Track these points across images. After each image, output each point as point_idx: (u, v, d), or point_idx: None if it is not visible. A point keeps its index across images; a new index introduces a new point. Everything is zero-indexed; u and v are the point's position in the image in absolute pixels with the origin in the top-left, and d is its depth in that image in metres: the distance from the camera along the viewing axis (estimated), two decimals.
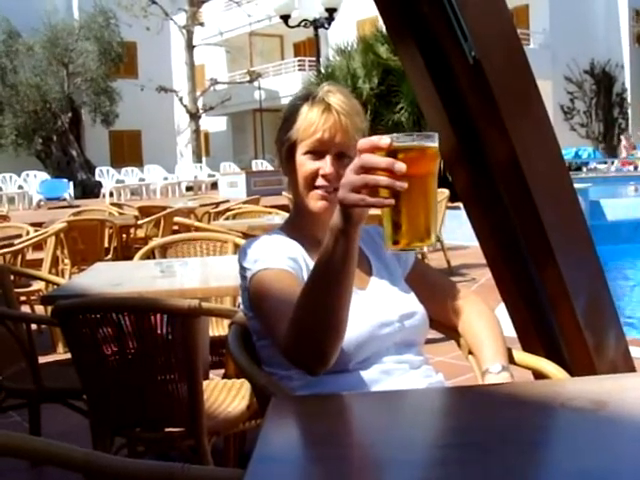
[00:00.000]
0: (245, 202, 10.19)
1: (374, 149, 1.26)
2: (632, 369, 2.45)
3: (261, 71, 36.25)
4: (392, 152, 1.26)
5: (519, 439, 1.13)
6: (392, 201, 1.26)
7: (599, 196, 12.35)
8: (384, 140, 1.24)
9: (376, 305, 1.81)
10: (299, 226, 1.78)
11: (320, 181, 1.80)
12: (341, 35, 19.09)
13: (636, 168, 23.45)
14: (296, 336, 1.48)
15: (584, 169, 23.95)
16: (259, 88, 34.02)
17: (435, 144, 1.29)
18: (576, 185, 8.70)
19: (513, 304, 2.46)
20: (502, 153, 2.17)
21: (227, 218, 7.50)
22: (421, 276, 2.01)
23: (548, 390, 1.34)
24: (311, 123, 1.81)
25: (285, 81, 35.05)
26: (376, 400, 1.46)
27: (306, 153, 1.82)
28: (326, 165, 1.80)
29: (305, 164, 1.82)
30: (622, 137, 25.54)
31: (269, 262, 1.73)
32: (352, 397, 1.51)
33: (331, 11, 15.71)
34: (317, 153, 1.81)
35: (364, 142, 1.27)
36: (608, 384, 1.45)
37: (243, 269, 1.78)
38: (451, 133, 2.29)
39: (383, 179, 1.24)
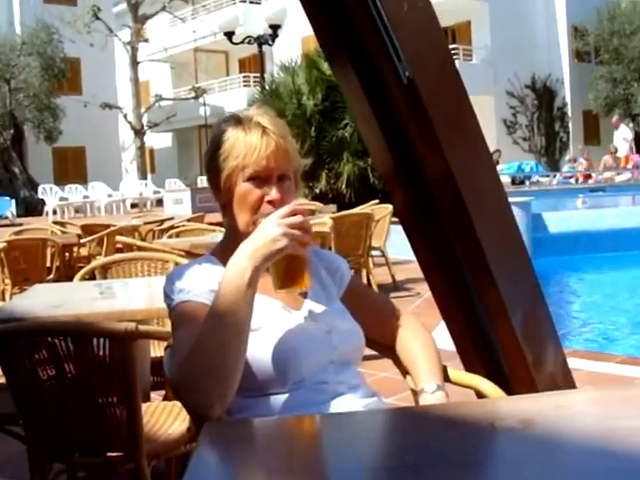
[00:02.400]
0: (189, 219, 10.12)
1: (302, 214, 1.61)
2: (570, 381, 2.47)
3: (206, 87, 36.21)
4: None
5: (450, 461, 1.13)
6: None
7: (542, 209, 12.51)
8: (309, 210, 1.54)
9: (311, 325, 1.80)
10: (233, 251, 1.78)
11: (266, 207, 1.77)
12: (286, 51, 19.15)
13: (577, 181, 23.81)
14: (188, 369, 1.55)
15: (527, 182, 24.25)
16: (204, 104, 33.97)
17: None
18: (519, 198, 8.81)
19: (452, 321, 2.48)
20: (437, 170, 2.19)
21: (170, 236, 7.45)
22: (357, 295, 2.01)
23: (479, 410, 1.35)
24: (253, 149, 1.76)
25: (230, 97, 35.04)
26: (309, 423, 1.46)
27: (249, 180, 1.77)
28: (272, 191, 1.77)
29: (249, 191, 1.78)
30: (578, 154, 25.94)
31: (192, 294, 1.72)
32: (285, 420, 1.51)
33: (275, 28, 15.78)
34: (261, 179, 1.77)
35: (300, 208, 1.62)
36: (538, 402, 1.46)
37: (167, 297, 1.77)
38: (388, 152, 2.30)
39: (311, 237, 1.64)
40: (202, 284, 1.73)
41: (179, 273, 1.79)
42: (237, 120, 1.82)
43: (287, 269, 1.64)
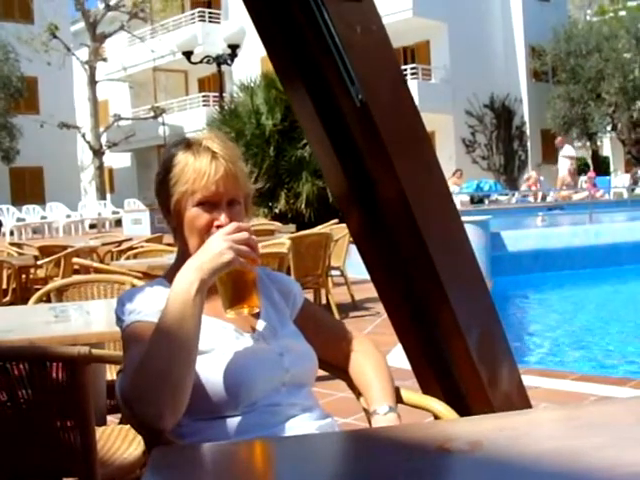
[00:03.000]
0: (148, 240, 10.06)
1: (248, 231, 1.69)
2: (526, 400, 2.49)
3: (165, 107, 36.09)
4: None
5: None
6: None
7: (500, 227, 12.62)
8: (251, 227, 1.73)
9: (263, 347, 1.80)
10: None
11: (215, 232, 1.75)
12: (245, 71, 19.19)
13: (536, 199, 24.06)
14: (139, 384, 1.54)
15: (486, 201, 24.45)
16: (163, 124, 33.87)
17: None
18: (477, 217, 8.88)
19: (407, 342, 2.48)
20: (391, 192, 2.20)
21: (128, 257, 7.40)
22: (310, 317, 2.02)
23: (427, 432, 1.36)
24: (202, 174, 1.76)
25: (190, 117, 34.98)
26: (259, 447, 1.45)
27: (198, 205, 1.77)
28: (221, 216, 1.77)
29: (198, 216, 1.78)
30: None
31: (142, 314, 1.72)
32: (236, 445, 1.50)
33: (234, 47, 15.76)
34: (210, 204, 1.78)
35: (244, 225, 1.70)
36: (485, 424, 1.47)
37: (118, 319, 1.77)
38: (342, 175, 2.31)
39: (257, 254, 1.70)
40: (152, 305, 1.72)
41: (130, 295, 1.79)
42: (187, 144, 1.82)
43: (235, 288, 1.66)
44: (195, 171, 1.77)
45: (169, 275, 1.85)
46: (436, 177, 2.30)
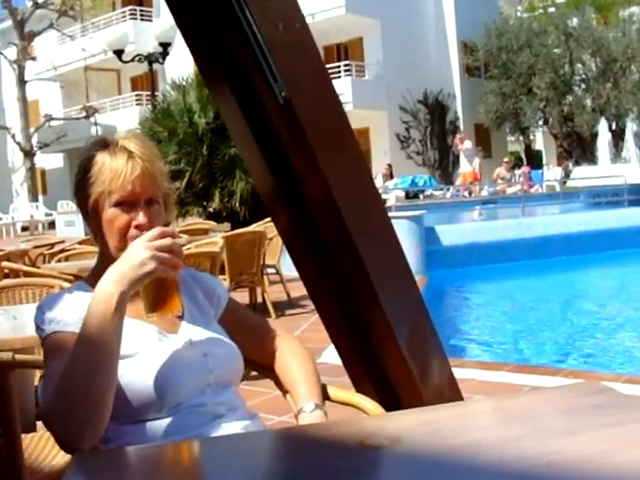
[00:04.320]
0: (80, 242, 9.91)
1: (173, 236, 1.65)
2: (457, 393, 2.50)
3: (98, 106, 35.65)
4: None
5: None
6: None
7: (435, 222, 12.74)
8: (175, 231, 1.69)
9: (187, 348, 1.78)
10: None
11: (133, 232, 1.75)
12: (178, 69, 19.04)
13: (471, 194, 24.32)
14: (58, 399, 1.51)
15: (421, 196, 24.66)
16: (96, 124, 33.46)
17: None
18: (412, 212, 8.96)
19: (338, 339, 2.48)
20: (317, 190, 2.19)
21: (60, 260, 7.29)
22: (235, 317, 2.01)
23: (350, 429, 1.36)
24: (118, 174, 1.74)
25: (123, 116, 34.60)
26: (184, 449, 1.44)
27: (116, 205, 1.75)
28: (139, 216, 1.75)
29: (117, 216, 1.75)
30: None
31: (62, 324, 1.69)
32: (160, 447, 1.48)
33: (165, 46, 15.64)
34: (128, 204, 1.75)
35: (168, 230, 1.65)
36: (406, 419, 1.48)
37: (38, 328, 1.73)
38: (268, 173, 2.30)
39: (180, 260, 1.65)
40: (73, 313, 1.69)
41: (49, 302, 1.75)
42: (104, 144, 1.80)
43: (157, 292, 1.63)
44: (112, 171, 1.74)
45: (91, 278, 1.82)
46: (362, 173, 2.30)
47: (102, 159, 1.77)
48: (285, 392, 1.99)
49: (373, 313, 2.29)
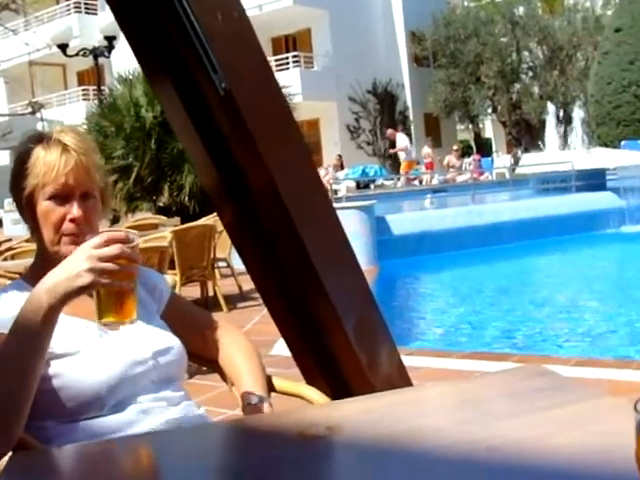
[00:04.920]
0: (27, 240, 9.74)
1: (123, 242, 1.51)
2: (407, 380, 2.50)
3: (44, 102, 35.19)
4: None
5: (257, 474, 1.12)
6: (131, 284, 1.53)
7: (385, 212, 12.78)
8: (130, 239, 1.53)
9: (129, 345, 1.76)
10: (42, 273, 1.71)
11: (68, 225, 1.73)
12: (125, 63, 18.89)
13: (421, 182, 24.46)
14: None
15: (372, 186, 24.74)
16: (42, 119, 33.02)
17: (138, 241, 1.57)
18: (363, 202, 8.98)
19: (287, 331, 2.47)
20: (261, 182, 2.18)
21: (6, 258, 7.19)
22: (178, 311, 2.00)
23: (292, 419, 1.36)
24: (51, 167, 1.72)
25: (69, 111, 34.19)
26: (125, 445, 1.42)
27: (50, 198, 1.73)
28: (74, 209, 1.73)
29: (51, 210, 1.74)
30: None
31: None
32: (99, 445, 1.46)
33: (111, 39, 15.48)
34: (62, 197, 1.74)
35: (115, 236, 1.52)
36: (349, 407, 1.49)
37: None
38: (211, 166, 2.28)
39: (133, 267, 1.53)
40: (7, 313, 1.65)
41: None
42: (39, 138, 1.78)
43: (107, 300, 1.54)
44: (45, 164, 1.73)
45: (28, 276, 1.80)
46: (306, 163, 2.30)
47: (37, 153, 1.75)
48: (231, 385, 1.98)
49: (320, 305, 2.29)
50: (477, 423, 1.24)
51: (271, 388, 1.94)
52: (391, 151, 26.41)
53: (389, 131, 28.31)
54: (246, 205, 2.27)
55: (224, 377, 2.01)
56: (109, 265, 1.49)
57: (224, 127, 2.17)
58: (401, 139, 26.19)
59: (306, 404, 1.82)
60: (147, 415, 1.70)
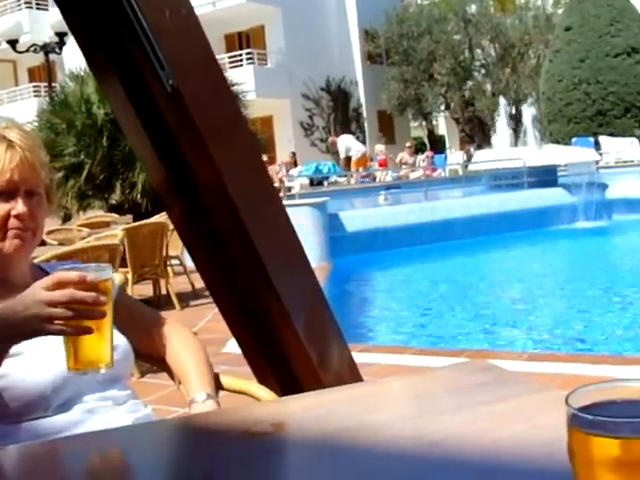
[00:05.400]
0: None
1: (77, 284, 1.40)
2: (358, 377, 2.52)
3: None
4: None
5: (202, 473, 1.12)
6: (92, 328, 1.39)
7: (338, 209, 12.80)
8: (86, 278, 1.40)
9: None
10: None
11: (13, 221, 1.72)
12: (77, 60, 18.73)
13: (375, 179, 24.54)
14: None
15: (325, 183, 24.77)
16: None
17: (111, 274, 1.45)
18: (315, 199, 8.97)
19: (237, 330, 2.47)
20: (209, 179, 2.18)
21: None
22: (123, 309, 1.97)
23: (237, 417, 1.35)
24: None
25: (20, 108, 33.71)
26: (68, 445, 1.41)
27: None
28: (18, 205, 1.72)
29: None
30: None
31: None
32: (42, 445, 1.45)
33: (62, 35, 15.32)
34: (7, 193, 1.72)
35: (67, 277, 1.41)
36: (294, 404, 1.49)
37: None
38: (160, 164, 2.27)
39: (91, 311, 1.40)
40: None
41: None
42: None
43: (67, 345, 1.42)
44: None
45: None
46: (254, 161, 2.30)
47: None
48: (178, 383, 1.97)
49: (270, 303, 2.29)
50: (420, 418, 1.25)
51: (219, 386, 1.94)
52: (342, 159, 26.54)
53: (330, 139, 28.50)
54: (195, 204, 2.27)
55: (172, 375, 2.01)
56: (56, 311, 1.40)
57: (172, 125, 2.16)
58: (341, 143, 26.40)
59: (254, 401, 1.82)
60: (93, 414, 1.69)
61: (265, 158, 25.53)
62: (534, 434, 1.09)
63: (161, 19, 2.05)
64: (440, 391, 1.40)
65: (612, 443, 0.64)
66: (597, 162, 18.74)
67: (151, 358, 2.04)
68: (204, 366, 1.94)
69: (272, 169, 23.29)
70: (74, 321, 1.39)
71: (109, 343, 1.44)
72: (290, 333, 2.31)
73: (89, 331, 1.40)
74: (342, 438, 1.16)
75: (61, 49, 15.78)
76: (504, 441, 1.09)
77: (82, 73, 13.75)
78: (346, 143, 26.34)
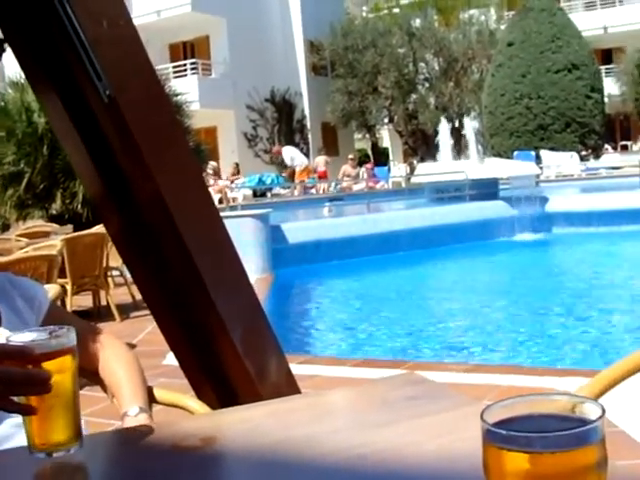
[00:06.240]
0: None
1: (19, 360, 1.19)
2: (295, 389, 2.52)
3: None
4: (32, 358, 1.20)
5: None
6: (36, 409, 1.21)
7: (281, 220, 12.80)
8: (28, 351, 1.19)
9: None
10: None
11: None
12: (17, 67, 18.46)
13: (318, 191, 24.61)
14: None
15: (269, 194, 24.76)
16: None
17: (73, 341, 1.25)
18: (258, 211, 8.96)
19: (175, 343, 2.45)
20: (147, 191, 2.16)
21: None
22: (57, 321, 1.95)
23: (168, 431, 1.35)
24: None
25: None
26: None
27: None
28: None
29: None
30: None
31: None
32: None
33: (1, 42, 15.07)
34: None
35: (5, 350, 1.21)
36: (225, 418, 1.49)
37: None
38: (96, 176, 2.25)
39: (30, 390, 1.19)
40: None
41: None
42: None
43: (31, 424, 1.27)
44: None
45: None
46: (192, 172, 2.29)
47: None
48: (112, 396, 1.95)
49: (208, 316, 2.28)
50: (349, 431, 1.26)
51: (152, 399, 1.92)
52: (295, 174, 26.62)
53: (275, 148, 28.58)
54: (132, 216, 2.25)
55: (105, 388, 1.99)
56: None
57: (109, 136, 2.14)
58: (286, 153, 26.48)
59: (187, 415, 1.81)
60: (22, 428, 1.67)
61: (214, 164, 25.45)
62: (460, 446, 1.10)
63: (99, 29, 2.04)
64: (371, 404, 1.41)
65: (524, 457, 0.65)
66: (538, 176, 19.05)
67: (84, 371, 2.01)
68: (137, 379, 1.93)
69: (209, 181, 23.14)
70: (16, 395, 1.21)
71: (71, 420, 1.26)
72: (228, 346, 2.31)
73: (30, 411, 1.22)
74: (271, 452, 1.17)
75: (0, 56, 15.54)
76: (431, 454, 1.10)
77: (22, 81, 13.56)
78: (291, 154, 26.43)
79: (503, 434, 0.66)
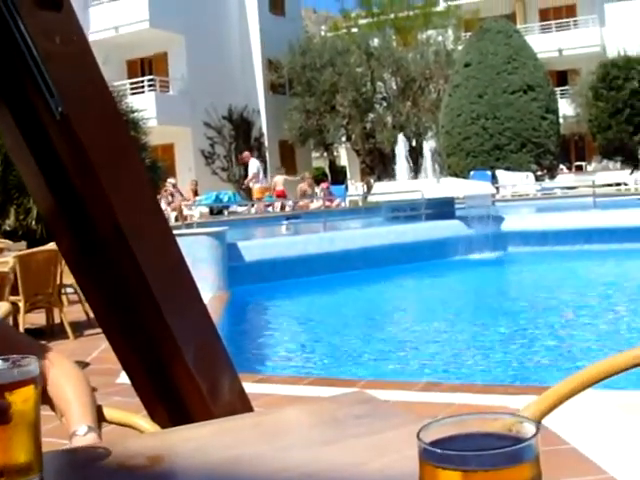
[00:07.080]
0: None
1: None
2: (249, 408, 2.51)
3: None
4: None
5: None
6: None
7: (237, 238, 12.79)
8: None
9: None
10: None
11: None
12: None
13: (283, 208, 24.62)
14: None
15: (225, 212, 24.71)
16: None
17: (36, 371, 1.25)
18: (214, 229, 8.94)
19: (127, 362, 2.44)
20: (99, 209, 2.15)
21: None
22: (3, 339, 1.94)
23: (115, 450, 1.33)
24: None
25: None
26: None
27: None
28: None
29: None
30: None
31: None
32: None
33: None
34: None
35: None
36: (172, 436, 1.48)
37: None
38: (48, 192, 2.23)
39: None
40: None
41: None
42: None
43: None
44: None
45: None
46: (144, 191, 2.28)
47: None
48: (60, 416, 1.93)
49: (160, 335, 2.27)
50: (292, 450, 1.26)
51: (102, 418, 1.91)
52: (246, 182, 26.63)
53: (245, 153, 28.50)
54: (85, 233, 2.24)
55: (53, 407, 1.96)
56: None
57: (61, 152, 2.13)
58: (253, 164, 26.44)
59: (136, 434, 1.80)
60: None
61: (173, 182, 25.31)
62: (404, 465, 1.10)
63: (51, 45, 2.03)
64: (320, 422, 1.41)
65: (459, 476, 0.66)
66: (493, 195, 19.25)
67: None
68: (86, 398, 1.91)
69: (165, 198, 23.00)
70: None
71: (32, 450, 1.22)
72: (180, 366, 2.29)
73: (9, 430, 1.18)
74: (217, 471, 1.16)
75: None
76: (375, 473, 1.11)
77: None
78: (257, 166, 26.43)
79: (438, 453, 0.67)
